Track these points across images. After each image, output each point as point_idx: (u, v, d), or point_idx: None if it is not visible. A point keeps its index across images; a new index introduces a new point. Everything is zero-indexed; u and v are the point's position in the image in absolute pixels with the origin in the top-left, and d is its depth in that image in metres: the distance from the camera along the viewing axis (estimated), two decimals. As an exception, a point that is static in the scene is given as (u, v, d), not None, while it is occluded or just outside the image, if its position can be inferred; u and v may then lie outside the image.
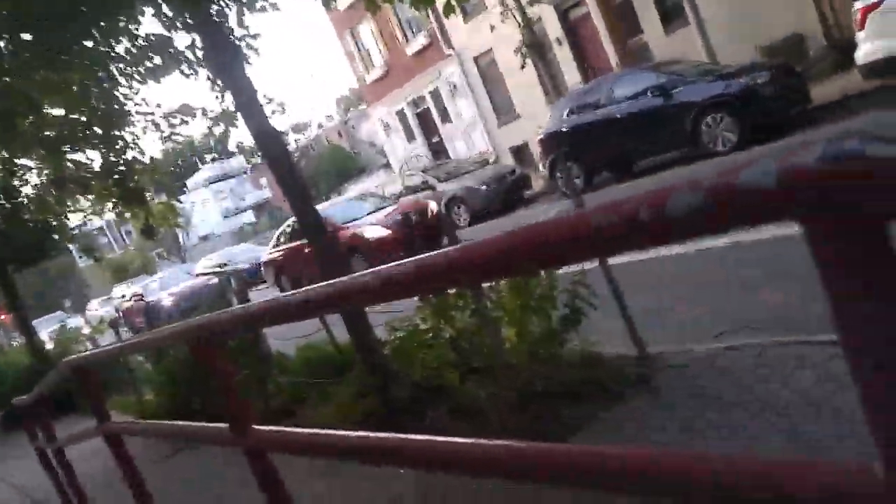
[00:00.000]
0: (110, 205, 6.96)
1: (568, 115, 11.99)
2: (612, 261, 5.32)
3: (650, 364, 3.59)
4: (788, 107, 9.48)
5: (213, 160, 55.64)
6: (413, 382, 3.96)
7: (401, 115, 26.25)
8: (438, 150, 24.93)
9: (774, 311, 3.78)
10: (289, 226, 13.99)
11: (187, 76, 5.43)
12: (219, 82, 4.94)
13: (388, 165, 32.59)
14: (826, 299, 0.52)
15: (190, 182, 50.94)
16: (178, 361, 6.35)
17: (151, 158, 6.97)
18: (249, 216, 52.14)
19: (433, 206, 12.60)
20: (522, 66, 17.52)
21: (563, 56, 18.91)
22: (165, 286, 20.92)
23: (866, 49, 7.84)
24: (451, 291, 3.80)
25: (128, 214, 6.73)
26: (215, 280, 20.39)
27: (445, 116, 24.35)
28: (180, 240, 43.06)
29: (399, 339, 4.33)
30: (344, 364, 5.02)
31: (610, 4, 17.48)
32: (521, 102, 20.68)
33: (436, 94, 24.24)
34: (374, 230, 11.91)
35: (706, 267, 4.92)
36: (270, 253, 14.85)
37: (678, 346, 3.73)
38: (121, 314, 20.88)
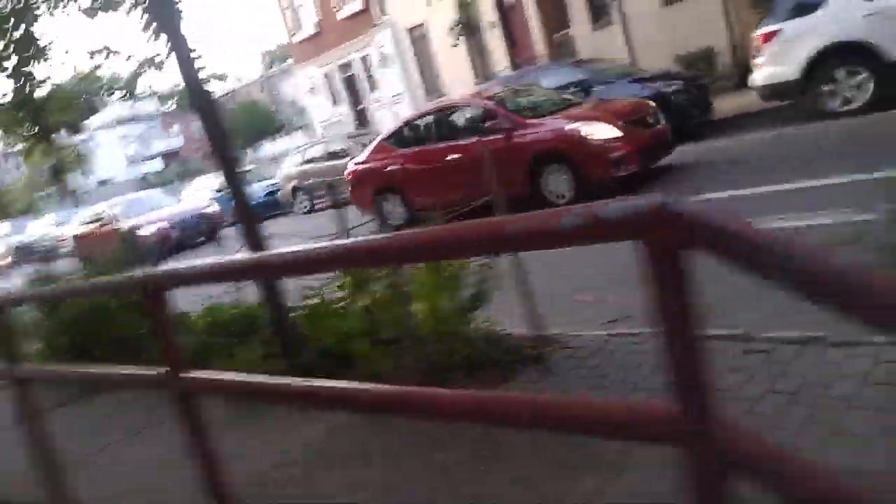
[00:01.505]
0: (18, 140, 6.62)
1: (493, 100, 12.28)
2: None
3: (546, 345, 3.94)
4: (693, 116, 10.20)
5: (121, 100, 52.44)
6: (321, 348, 4.14)
7: (328, 77, 25.85)
8: (363, 118, 24.79)
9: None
10: (405, 126, 10.03)
11: (114, 11, 5.24)
12: (154, 25, 4.84)
13: (309, 127, 31.99)
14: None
15: (92, 122, 47.85)
16: (72, 311, 6.20)
17: (66, 95, 6.67)
18: (157, 164, 49.61)
19: (654, 108, 8.64)
20: (455, 45, 17.67)
21: (495, 40, 19.22)
22: (142, 211, 16.38)
23: (762, 73, 8.66)
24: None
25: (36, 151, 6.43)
26: (214, 207, 16.70)
27: (373, 84, 24.21)
28: (69, 183, 40.27)
29: (312, 306, 4.50)
30: (252, 326, 5.10)
31: (543, -5, 17.92)
32: (450, 79, 20.86)
33: (365, 61, 24.03)
34: (598, 128, 7.75)
35: (608, 259, 5.33)
36: (363, 162, 10.31)
37: (573, 329, 4.10)
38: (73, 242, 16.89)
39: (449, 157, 8.76)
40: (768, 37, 8.50)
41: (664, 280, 0.74)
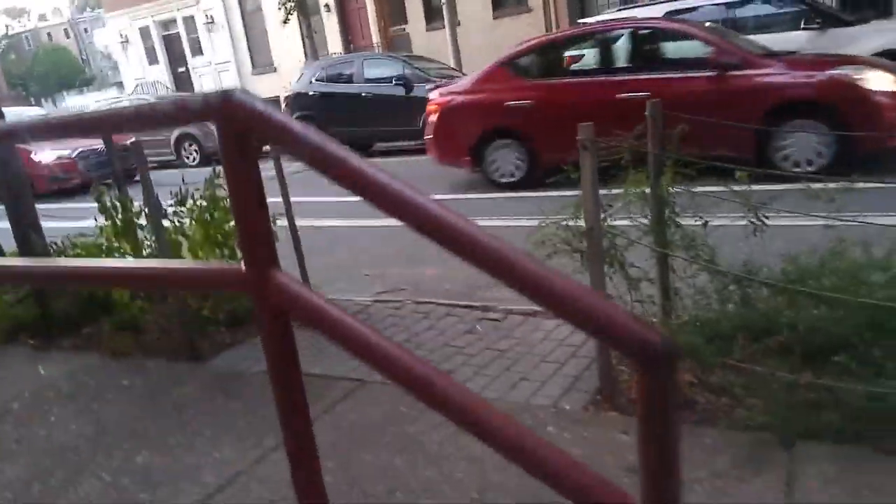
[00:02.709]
0: None
1: (316, 80, 12.25)
2: (320, 222, 5.98)
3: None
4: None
5: None
6: (78, 294, 3.97)
7: (145, 32, 23.99)
8: (183, 81, 23.35)
9: (431, 281, 4.58)
10: (539, 47, 7.44)
11: None
12: None
13: (122, 84, 29.43)
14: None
15: None
16: None
17: None
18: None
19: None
20: (285, 22, 17.32)
21: (330, 24, 19.10)
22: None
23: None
24: (133, 214, 3.90)
25: None
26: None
27: (197, 48, 22.91)
28: None
29: (76, 253, 4.28)
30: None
31: (382, -13, 18.15)
32: (280, 55, 20.38)
33: (190, 22, 22.66)
34: (875, 76, 5.82)
35: (402, 240, 5.64)
36: (463, 93, 7.47)
37: (346, 296, 4.32)
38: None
39: (622, 96, 6.20)
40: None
41: (232, 158, 0.92)
